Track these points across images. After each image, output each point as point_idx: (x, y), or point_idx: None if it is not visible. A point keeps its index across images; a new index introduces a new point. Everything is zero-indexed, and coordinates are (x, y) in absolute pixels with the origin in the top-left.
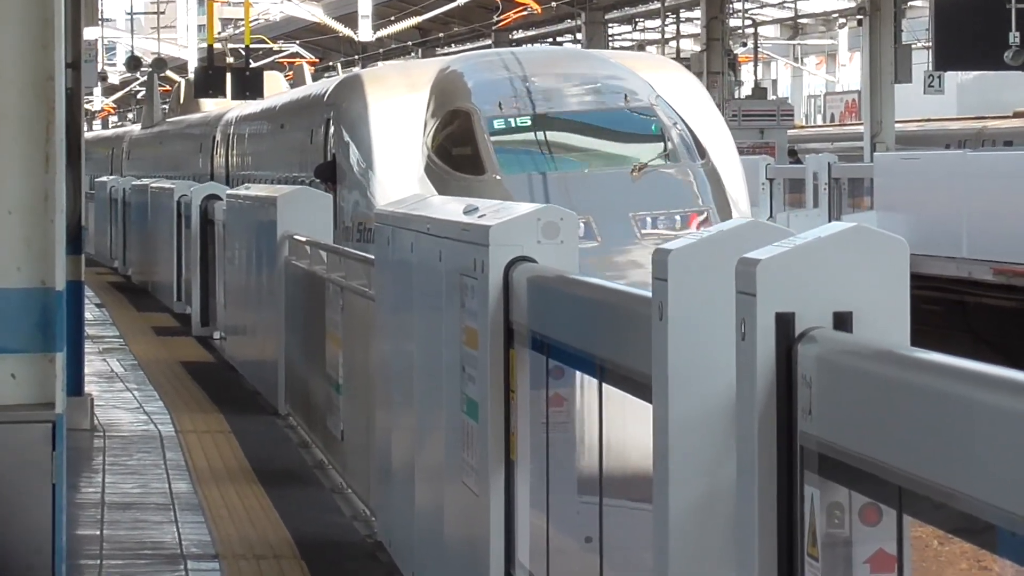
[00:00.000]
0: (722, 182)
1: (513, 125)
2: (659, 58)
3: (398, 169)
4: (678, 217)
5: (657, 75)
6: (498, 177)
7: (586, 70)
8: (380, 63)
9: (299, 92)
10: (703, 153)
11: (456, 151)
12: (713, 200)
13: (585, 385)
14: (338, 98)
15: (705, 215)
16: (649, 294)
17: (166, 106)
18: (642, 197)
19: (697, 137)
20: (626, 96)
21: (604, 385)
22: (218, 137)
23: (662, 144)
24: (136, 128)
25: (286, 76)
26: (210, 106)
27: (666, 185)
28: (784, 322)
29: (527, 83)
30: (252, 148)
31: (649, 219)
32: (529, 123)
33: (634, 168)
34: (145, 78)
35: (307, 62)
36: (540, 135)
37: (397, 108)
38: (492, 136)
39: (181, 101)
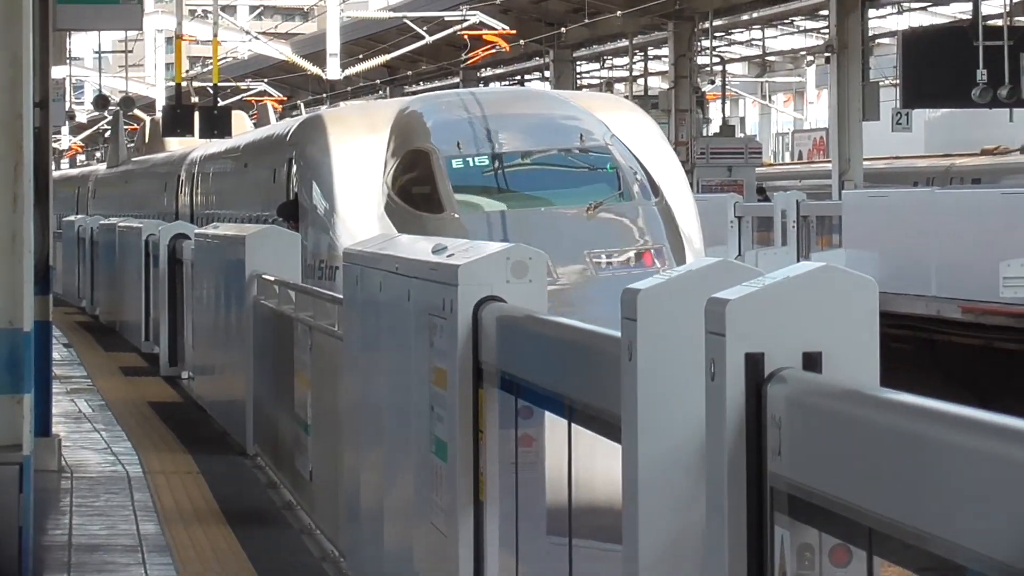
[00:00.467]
0: (675, 220)
1: (471, 165)
2: (615, 98)
3: (359, 208)
4: (632, 254)
5: (612, 115)
6: (456, 216)
7: (543, 110)
8: (343, 103)
9: (262, 132)
10: (657, 191)
11: (415, 190)
12: (667, 238)
13: (554, 425)
14: (300, 138)
15: (659, 252)
16: (618, 334)
17: (132, 145)
18: (597, 235)
19: (651, 176)
20: (581, 136)
21: (573, 425)
22: (183, 176)
23: (617, 183)
24: (102, 167)
25: (251, 115)
26: (175, 145)
27: (621, 223)
28: (753, 362)
29: (485, 123)
30: (216, 187)
31: (604, 257)
32: (487, 162)
33: (589, 207)
34: (111, 117)
35: (275, 100)
36: (498, 174)
37: (358, 148)
38: (451, 175)
39: (147, 140)
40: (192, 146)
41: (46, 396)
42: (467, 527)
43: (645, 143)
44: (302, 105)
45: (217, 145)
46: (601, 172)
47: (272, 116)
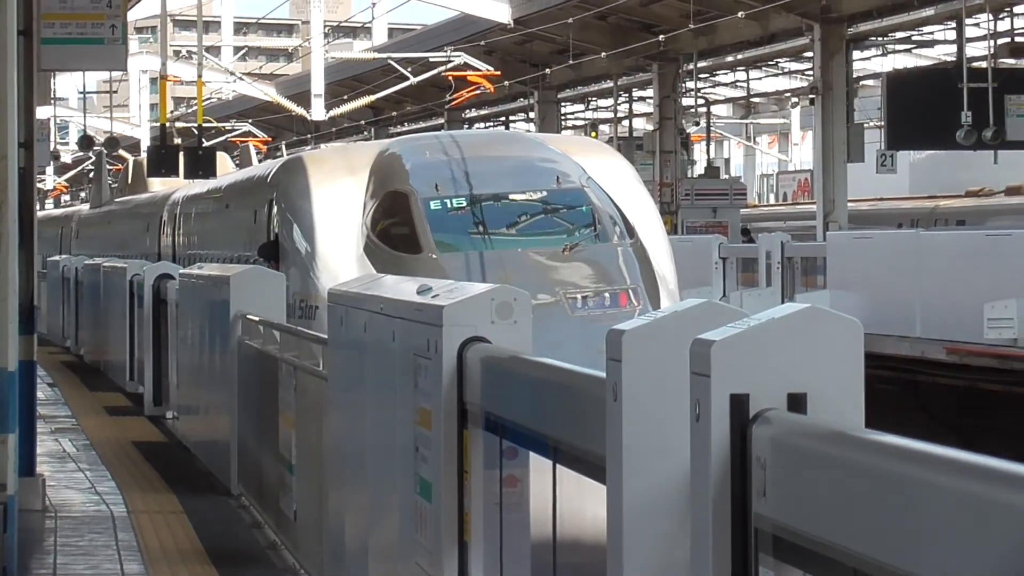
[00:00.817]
0: (650, 261)
1: (449, 206)
2: (591, 141)
3: (338, 248)
4: (607, 295)
5: (589, 158)
6: (434, 256)
7: (520, 153)
8: (324, 145)
9: (244, 173)
10: (632, 232)
11: (394, 231)
12: (642, 278)
13: (539, 466)
14: (281, 179)
15: (634, 292)
16: (603, 374)
17: (115, 185)
18: (573, 276)
19: (626, 217)
20: (558, 178)
21: (558, 466)
22: (165, 217)
23: (592, 224)
24: (85, 207)
25: (234, 157)
26: (157, 186)
27: (596, 264)
28: (738, 403)
29: (463, 166)
30: (198, 227)
31: (580, 297)
32: (465, 204)
33: (565, 247)
34: (95, 157)
35: (260, 141)
36: (475, 215)
37: (337, 189)
38: (429, 217)
39: (129, 181)
40: (175, 187)
41: (30, 436)
42: (452, 567)
43: (621, 185)
44: (283, 147)
45: (199, 186)
46: (577, 213)
47: (254, 157)
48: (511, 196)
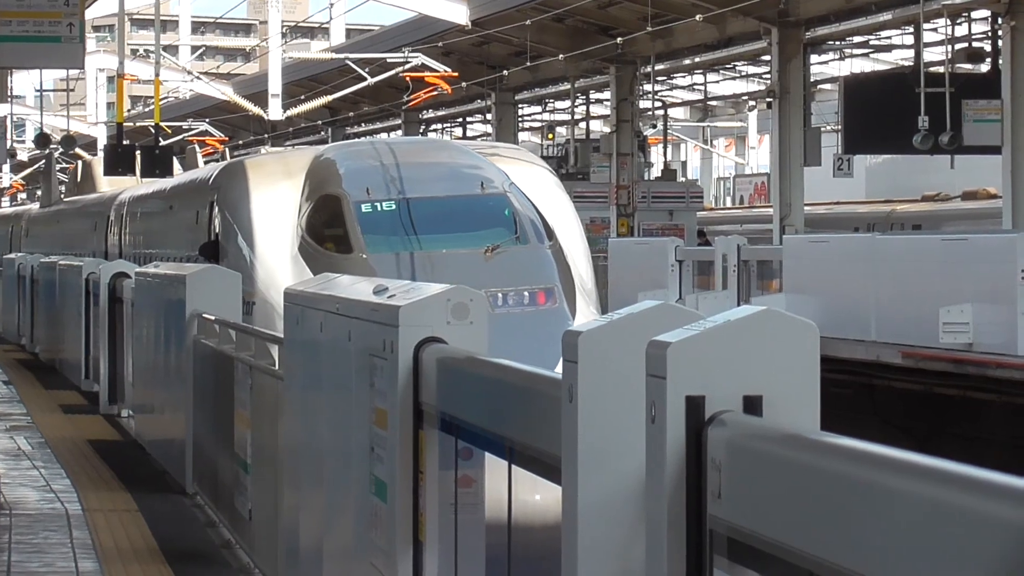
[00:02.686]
0: (567, 262)
1: (379, 209)
2: (517, 149)
3: (275, 248)
4: (527, 293)
5: (513, 165)
6: (364, 256)
7: (447, 159)
8: (263, 149)
9: (187, 176)
10: (551, 235)
11: (327, 232)
12: (559, 278)
13: (494, 466)
14: (221, 182)
15: (551, 292)
16: (559, 375)
17: (64, 185)
18: (494, 275)
19: (546, 221)
20: (482, 184)
21: (513, 467)
22: (112, 217)
23: (513, 227)
24: (35, 207)
25: (180, 159)
26: (106, 186)
27: (516, 264)
28: (694, 405)
29: (393, 171)
30: (144, 227)
31: (500, 295)
32: (394, 207)
33: (487, 249)
34: (56, 155)
35: (216, 140)
36: (404, 218)
37: (275, 192)
38: (360, 219)
39: (79, 180)
40: (122, 187)
41: None
42: (406, 567)
43: (542, 191)
44: (227, 151)
45: (145, 187)
46: (499, 217)
47: (199, 160)
48: (438, 200)
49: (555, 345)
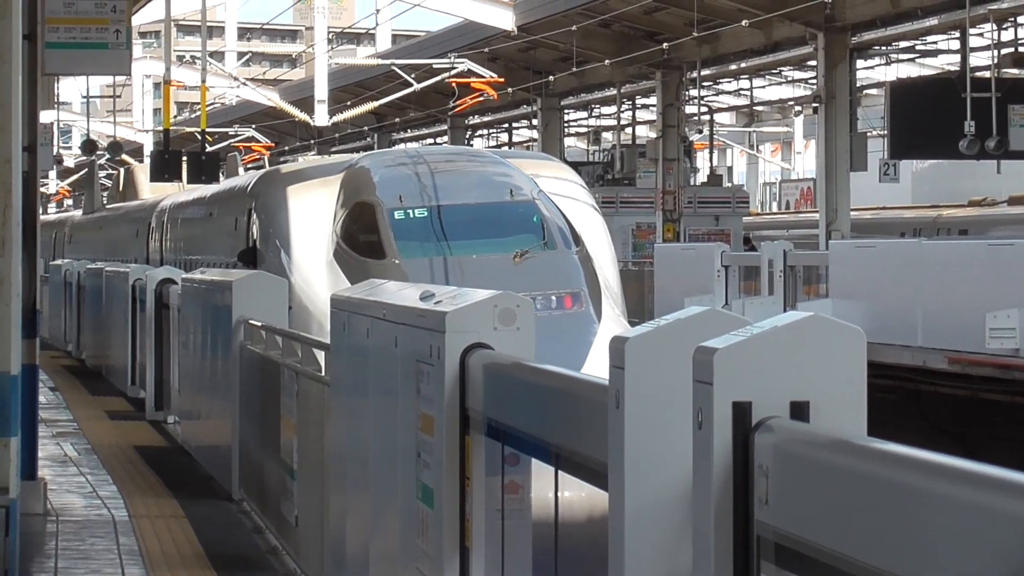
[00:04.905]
0: (594, 267)
1: (412, 216)
2: (546, 158)
3: (311, 254)
4: (554, 297)
5: (542, 174)
6: (397, 261)
7: (478, 168)
8: (301, 158)
9: (226, 183)
10: (578, 241)
11: (362, 238)
12: (586, 283)
13: (541, 472)
14: (259, 190)
15: (577, 296)
16: (605, 381)
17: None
18: (522, 280)
19: (573, 227)
20: (511, 191)
21: (560, 472)
22: (153, 223)
23: (541, 233)
24: (78, 213)
25: (221, 166)
26: (148, 193)
27: (543, 269)
28: (741, 411)
29: (426, 178)
30: (185, 234)
31: (528, 299)
32: (426, 213)
33: (516, 254)
34: (101, 161)
35: (263, 146)
36: (435, 224)
37: (311, 199)
38: (393, 225)
39: (121, 188)
40: (164, 194)
41: (32, 439)
42: (453, 573)
43: (570, 199)
44: (266, 159)
45: (186, 195)
46: (528, 223)
47: (240, 168)
48: (468, 207)
49: (582, 348)
